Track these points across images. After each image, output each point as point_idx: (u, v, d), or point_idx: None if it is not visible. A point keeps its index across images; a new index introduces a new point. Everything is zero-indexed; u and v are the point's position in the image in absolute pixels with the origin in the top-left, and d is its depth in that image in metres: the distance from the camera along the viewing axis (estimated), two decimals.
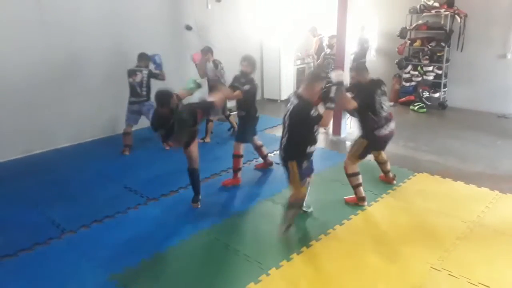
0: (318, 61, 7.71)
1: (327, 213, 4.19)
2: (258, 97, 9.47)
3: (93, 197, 4.71)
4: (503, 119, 7.58)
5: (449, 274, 3.21)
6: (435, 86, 8.43)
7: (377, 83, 4.21)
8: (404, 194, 4.63)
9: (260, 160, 5.53)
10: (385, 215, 4.18)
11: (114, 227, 4.09)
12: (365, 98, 4.03)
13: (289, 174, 3.58)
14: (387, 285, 3.14)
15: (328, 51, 7.20)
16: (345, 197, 4.43)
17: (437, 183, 4.92)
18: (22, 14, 5.78)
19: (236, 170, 4.94)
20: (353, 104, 3.96)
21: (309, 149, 3.55)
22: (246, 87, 4.68)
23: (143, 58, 5.97)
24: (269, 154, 5.45)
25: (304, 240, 3.73)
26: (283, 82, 9.41)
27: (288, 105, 3.51)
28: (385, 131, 4.18)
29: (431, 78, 8.35)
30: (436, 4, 8.05)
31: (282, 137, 3.59)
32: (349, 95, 4.00)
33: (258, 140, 5.25)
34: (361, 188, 4.32)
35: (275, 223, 4.11)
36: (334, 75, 3.68)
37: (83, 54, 6.46)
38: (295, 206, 3.69)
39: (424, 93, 8.40)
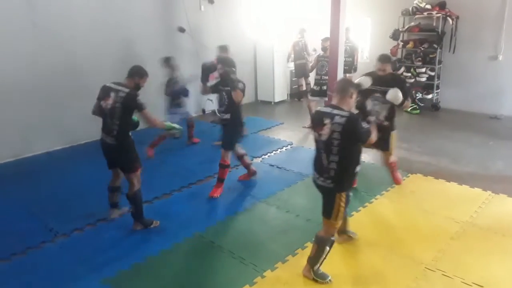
0: (312, 63, 7.71)
1: (321, 215, 4.18)
2: (252, 99, 9.45)
3: (86, 200, 4.67)
4: (495, 120, 7.64)
5: (443, 274, 3.23)
6: (428, 87, 8.48)
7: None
8: (397, 195, 4.65)
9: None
10: (379, 216, 4.19)
11: (107, 230, 4.06)
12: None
13: (333, 207, 3.07)
14: (382, 285, 3.14)
15: (321, 53, 7.21)
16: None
17: (430, 184, 4.94)
18: (13, 17, 5.75)
19: (222, 180, 4.76)
20: (408, 104, 4.18)
21: (357, 169, 3.13)
22: (240, 85, 4.47)
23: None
24: (259, 159, 5.36)
25: (299, 242, 3.73)
26: (277, 84, 9.43)
27: (327, 121, 2.92)
28: None
29: (424, 79, 8.40)
30: (428, 6, 8.11)
31: (329, 162, 2.96)
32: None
33: (241, 148, 4.95)
34: None
35: (269, 225, 4.11)
36: (392, 97, 3.84)
37: (74, 56, 6.42)
38: (328, 242, 3.15)
39: (417, 95, 8.45)
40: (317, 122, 3.04)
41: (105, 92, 3.79)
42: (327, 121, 2.92)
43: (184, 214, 4.33)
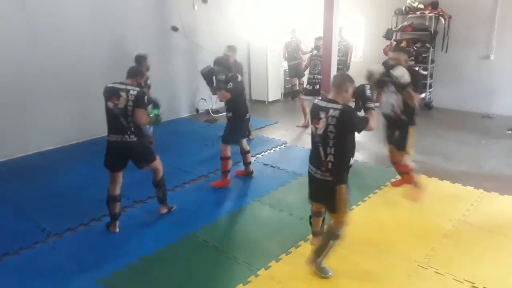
0: (305, 62, 7.72)
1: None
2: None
3: (78, 201, 4.65)
4: (487, 119, 7.71)
5: (435, 272, 3.25)
6: None
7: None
8: (390, 194, 4.68)
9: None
10: (373, 215, 4.21)
11: (101, 230, 4.04)
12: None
13: (335, 201, 3.05)
14: (375, 283, 3.16)
15: (314, 52, 7.23)
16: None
17: (423, 182, 4.95)
18: (6, 14, 5.71)
19: (225, 172, 4.90)
20: (419, 98, 3.88)
21: (351, 162, 3.15)
22: (230, 85, 4.61)
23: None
24: (253, 158, 5.36)
25: (293, 241, 3.74)
26: (271, 83, 9.44)
27: (322, 115, 2.93)
28: None
29: None
30: (421, 6, 8.16)
31: (326, 155, 2.98)
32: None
33: (246, 145, 5.12)
34: None
35: (263, 224, 4.12)
36: (398, 74, 3.69)
37: (67, 56, 6.38)
38: (333, 236, 3.16)
39: None
40: (313, 116, 3.07)
41: (112, 92, 3.75)
42: (322, 115, 2.95)
43: (178, 214, 4.32)
